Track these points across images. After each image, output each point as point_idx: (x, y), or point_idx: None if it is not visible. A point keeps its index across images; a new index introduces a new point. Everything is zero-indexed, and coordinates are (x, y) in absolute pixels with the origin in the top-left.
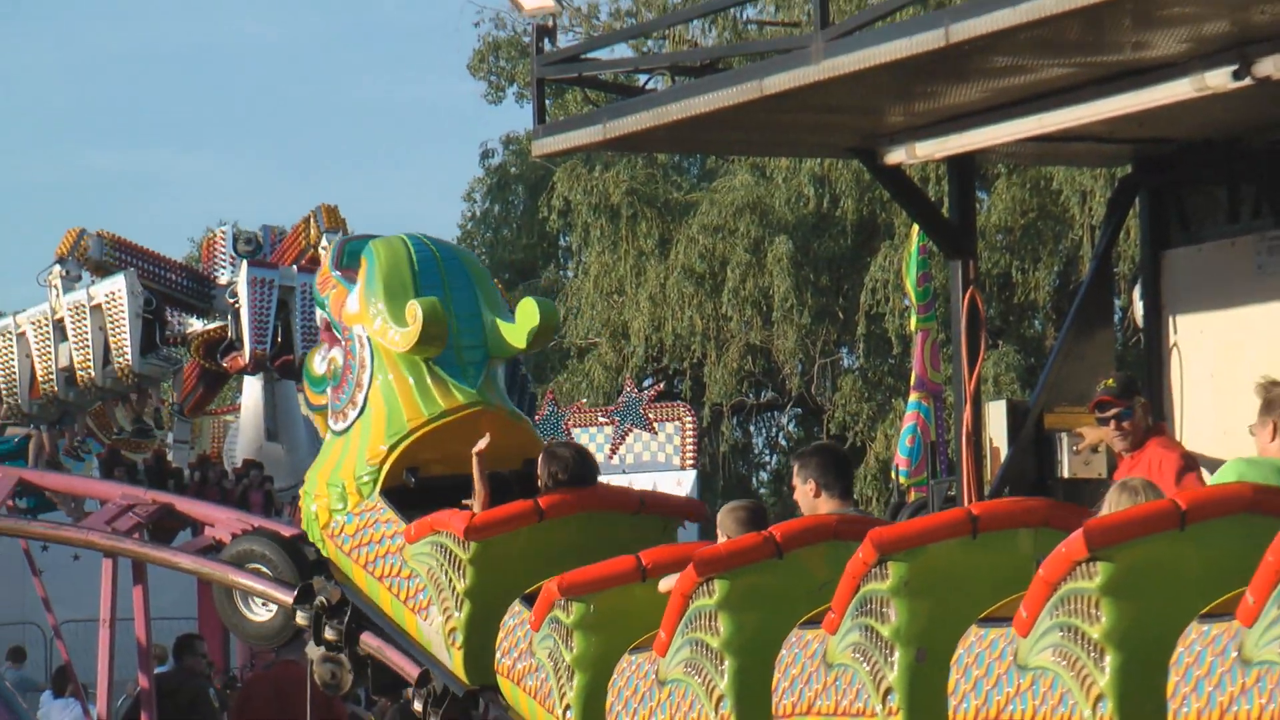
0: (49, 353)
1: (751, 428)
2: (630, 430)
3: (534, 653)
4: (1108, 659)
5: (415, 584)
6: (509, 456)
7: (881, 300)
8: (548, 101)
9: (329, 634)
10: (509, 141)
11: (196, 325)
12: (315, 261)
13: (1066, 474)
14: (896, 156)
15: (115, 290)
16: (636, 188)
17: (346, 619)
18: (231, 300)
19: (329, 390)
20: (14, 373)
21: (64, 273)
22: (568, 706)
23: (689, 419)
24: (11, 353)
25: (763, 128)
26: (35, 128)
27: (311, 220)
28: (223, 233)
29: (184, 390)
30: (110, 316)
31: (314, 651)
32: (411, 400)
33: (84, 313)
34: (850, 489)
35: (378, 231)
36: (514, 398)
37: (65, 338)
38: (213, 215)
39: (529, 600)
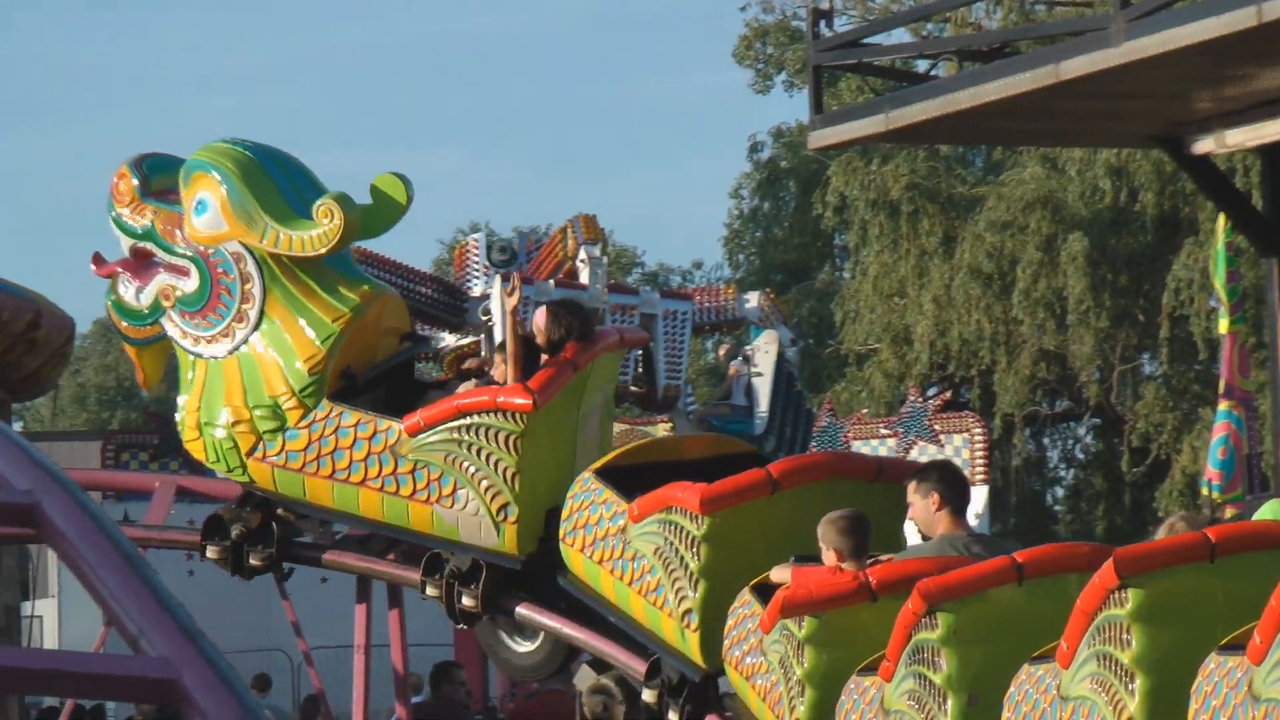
0: None
1: (1046, 440)
2: (915, 443)
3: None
4: (1137, 683)
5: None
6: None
7: (1186, 301)
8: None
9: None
10: (779, 134)
11: (449, 340)
12: (572, 275)
13: None
14: (1204, 145)
15: None
16: (918, 182)
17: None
18: (485, 318)
19: (181, 315)
20: None
21: None
22: None
23: (978, 431)
24: None
25: (1057, 116)
26: (272, 128)
27: (569, 231)
28: (475, 241)
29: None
30: None
31: (583, 681)
32: (323, 301)
33: None
34: (965, 510)
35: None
36: (788, 411)
37: None
38: (462, 216)
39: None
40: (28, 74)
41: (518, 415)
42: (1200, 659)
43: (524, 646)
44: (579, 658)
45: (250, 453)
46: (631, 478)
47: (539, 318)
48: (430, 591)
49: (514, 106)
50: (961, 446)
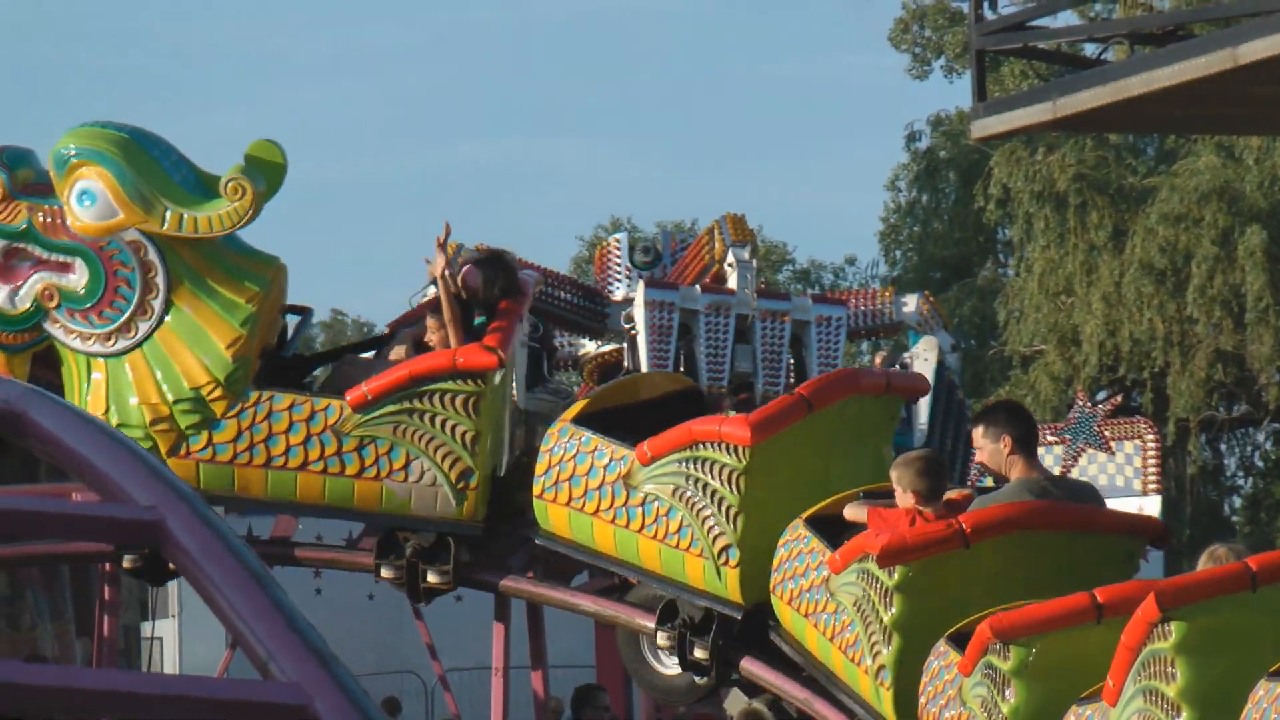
0: None
1: (1223, 446)
2: (1084, 450)
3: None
4: (1183, 717)
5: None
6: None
7: None
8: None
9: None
10: (937, 122)
11: (589, 347)
12: (720, 280)
13: None
14: None
15: None
16: (1085, 172)
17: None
18: (628, 326)
19: (70, 315)
20: None
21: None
22: None
23: (1150, 437)
24: None
25: (1235, 102)
26: (398, 116)
27: (715, 232)
28: (616, 241)
29: None
30: None
31: (734, 705)
32: (234, 282)
33: None
34: (1036, 449)
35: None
36: (949, 422)
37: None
38: (602, 210)
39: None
40: (144, 60)
41: (477, 378)
42: (1247, 689)
43: (671, 669)
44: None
45: (172, 451)
46: (611, 420)
47: (470, 277)
48: (385, 574)
49: (655, 91)
50: (1133, 454)
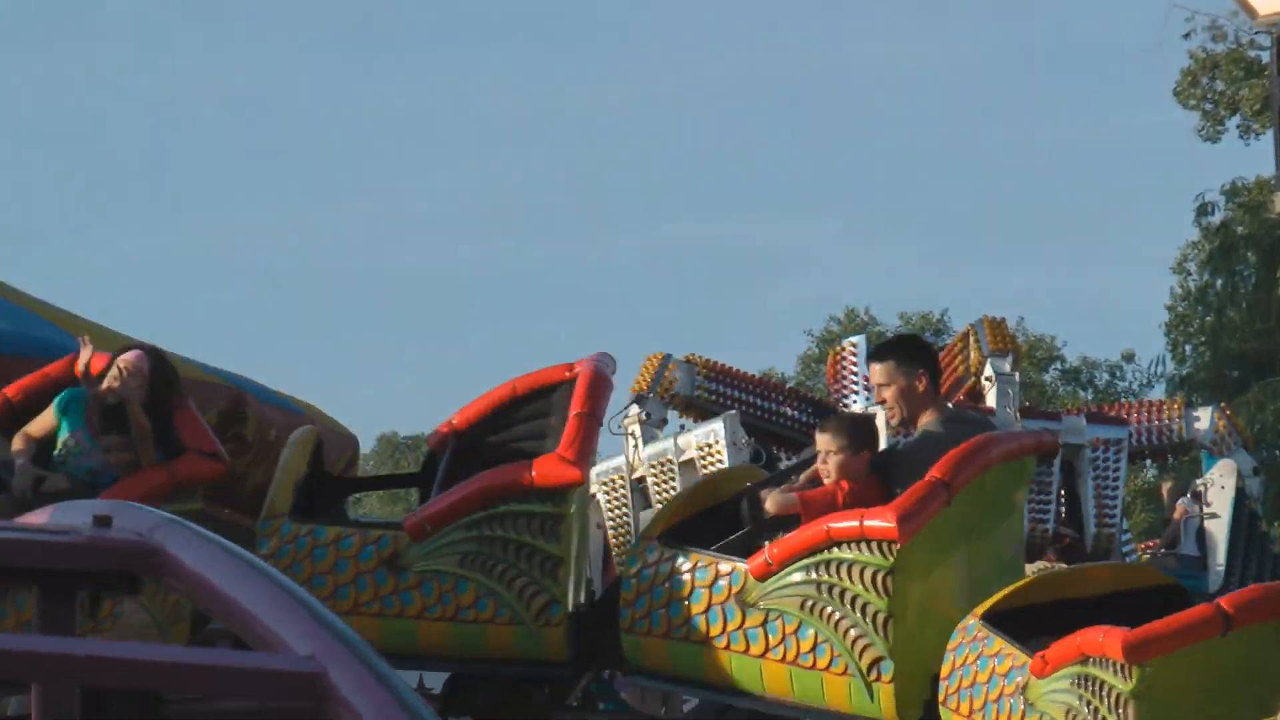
0: (627, 522)
1: None
2: None
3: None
4: None
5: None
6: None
7: None
8: None
9: None
10: (1233, 191)
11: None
12: (975, 396)
13: None
14: None
15: (712, 441)
16: None
17: None
18: None
19: None
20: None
21: (644, 415)
22: None
23: None
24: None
25: None
26: (597, 194)
27: (971, 339)
28: (853, 346)
29: None
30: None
31: None
32: None
33: (671, 472)
34: None
35: None
36: (1250, 558)
37: (648, 503)
38: (836, 299)
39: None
40: (316, 132)
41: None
42: None
43: None
44: None
45: None
46: (1027, 622)
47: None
48: None
49: (898, 159)
50: None
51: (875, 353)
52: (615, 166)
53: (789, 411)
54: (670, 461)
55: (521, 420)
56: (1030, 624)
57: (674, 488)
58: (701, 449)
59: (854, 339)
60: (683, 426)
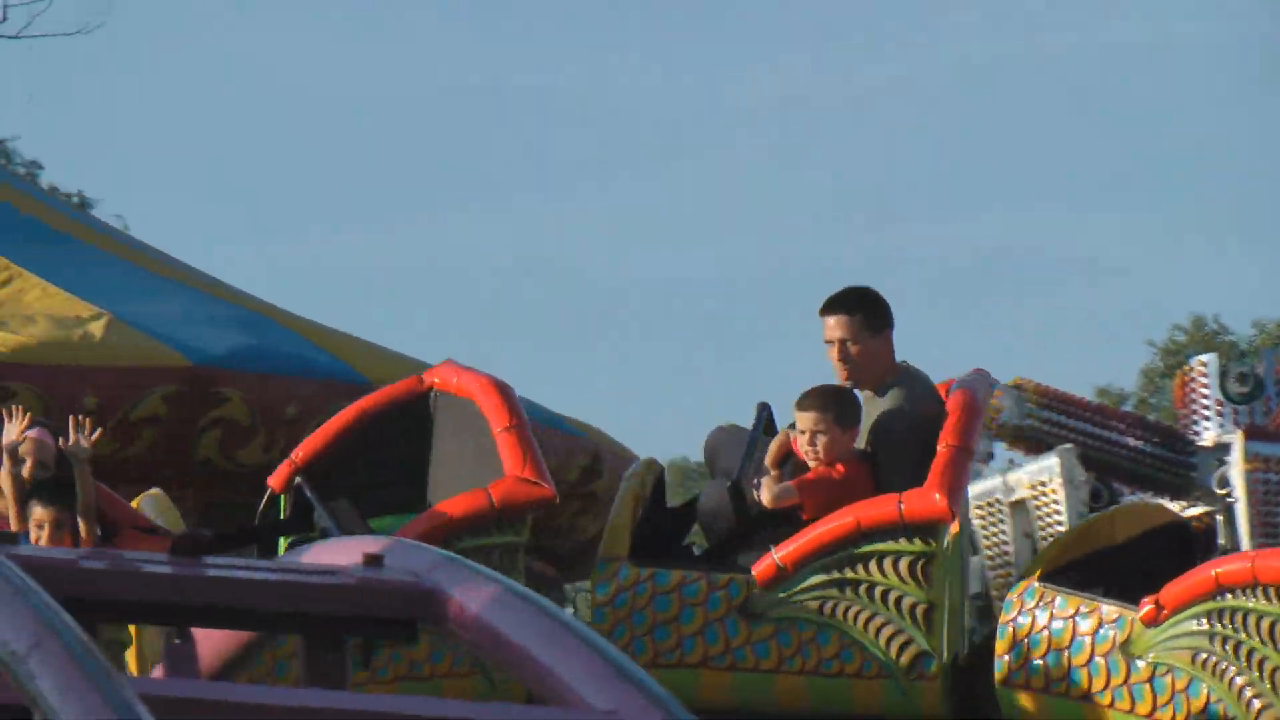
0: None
1: None
2: None
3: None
4: None
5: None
6: None
7: None
8: None
9: None
10: None
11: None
12: None
13: None
14: None
15: (1047, 479)
16: None
17: None
18: (1221, 490)
19: None
20: None
21: None
22: None
23: None
24: None
25: None
26: (821, 199)
27: None
28: (1203, 365)
29: None
30: (1041, 518)
31: None
32: None
33: (1001, 513)
34: None
35: None
36: None
37: (974, 549)
38: (1179, 306)
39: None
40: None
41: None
42: None
43: None
44: None
45: None
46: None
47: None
48: None
49: (1245, 138)
50: None
51: (833, 303)
52: (898, 159)
53: (1131, 442)
54: (999, 501)
55: (380, 443)
56: (1078, 580)
57: (1004, 531)
58: (1034, 487)
59: (1204, 357)
60: (1011, 461)
